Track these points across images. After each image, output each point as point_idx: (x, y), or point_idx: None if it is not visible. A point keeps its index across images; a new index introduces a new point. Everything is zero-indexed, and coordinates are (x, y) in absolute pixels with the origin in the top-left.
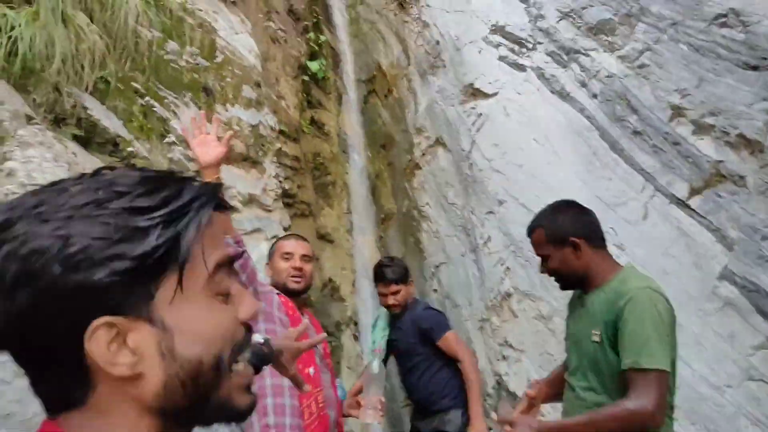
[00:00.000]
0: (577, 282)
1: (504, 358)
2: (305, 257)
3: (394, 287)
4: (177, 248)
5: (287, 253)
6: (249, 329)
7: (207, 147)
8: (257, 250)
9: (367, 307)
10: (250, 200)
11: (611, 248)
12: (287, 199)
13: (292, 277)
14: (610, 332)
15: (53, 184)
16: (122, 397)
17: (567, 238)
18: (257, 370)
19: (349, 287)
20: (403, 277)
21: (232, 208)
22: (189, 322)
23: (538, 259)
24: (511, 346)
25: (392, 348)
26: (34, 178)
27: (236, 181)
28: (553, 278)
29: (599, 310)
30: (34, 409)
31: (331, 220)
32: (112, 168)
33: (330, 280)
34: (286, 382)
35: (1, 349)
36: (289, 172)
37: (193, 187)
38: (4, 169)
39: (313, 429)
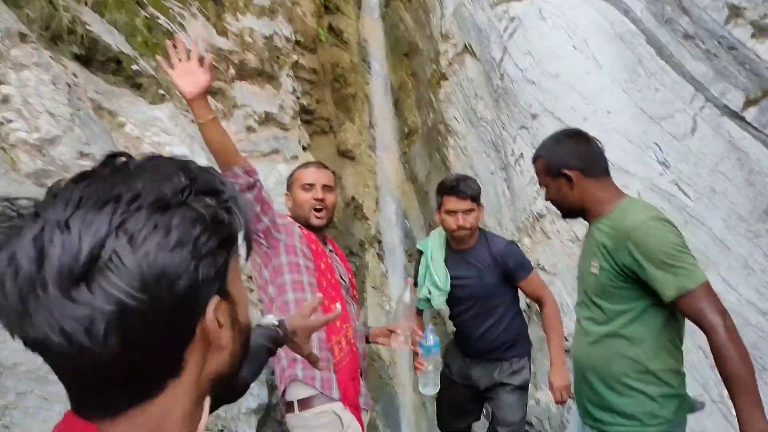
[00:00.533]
0: (574, 213)
1: None
2: (327, 187)
3: (469, 203)
4: (243, 227)
5: (308, 184)
6: None
7: (189, 76)
8: (275, 172)
9: (391, 225)
10: (267, 119)
11: (655, 165)
12: (306, 115)
13: (315, 211)
14: (611, 263)
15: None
16: (196, 382)
17: (560, 170)
18: (272, 352)
19: (372, 205)
20: (478, 197)
21: None
22: (239, 292)
23: None
24: (543, 269)
25: (455, 289)
26: (31, 104)
27: (250, 99)
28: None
29: (597, 243)
30: (41, 358)
31: (352, 135)
32: (123, 155)
33: (352, 198)
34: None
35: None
36: (307, 86)
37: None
38: None
39: (345, 365)
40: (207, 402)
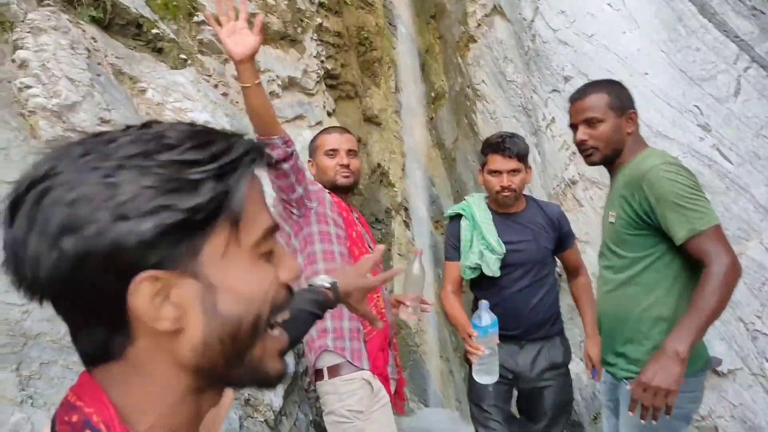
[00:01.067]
0: (612, 155)
1: None
2: (351, 153)
3: (515, 163)
4: (228, 204)
5: (332, 150)
6: (290, 291)
7: (238, 37)
8: (300, 138)
9: (418, 192)
10: (290, 84)
11: (695, 129)
12: (330, 80)
13: (340, 173)
14: (628, 210)
15: (99, 134)
16: (160, 352)
17: (627, 109)
18: (319, 316)
19: (398, 172)
20: (526, 157)
21: (276, 166)
22: (234, 280)
23: None
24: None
25: (507, 255)
26: (49, 69)
27: (274, 64)
28: (585, 150)
29: (616, 191)
30: (65, 328)
31: (378, 100)
32: (159, 122)
33: (378, 165)
34: None
35: (46, 298)
36: (332, 50)
37: (243, 142)
38: (16, 59)
39: (375, 335)
40: (230, 392)
